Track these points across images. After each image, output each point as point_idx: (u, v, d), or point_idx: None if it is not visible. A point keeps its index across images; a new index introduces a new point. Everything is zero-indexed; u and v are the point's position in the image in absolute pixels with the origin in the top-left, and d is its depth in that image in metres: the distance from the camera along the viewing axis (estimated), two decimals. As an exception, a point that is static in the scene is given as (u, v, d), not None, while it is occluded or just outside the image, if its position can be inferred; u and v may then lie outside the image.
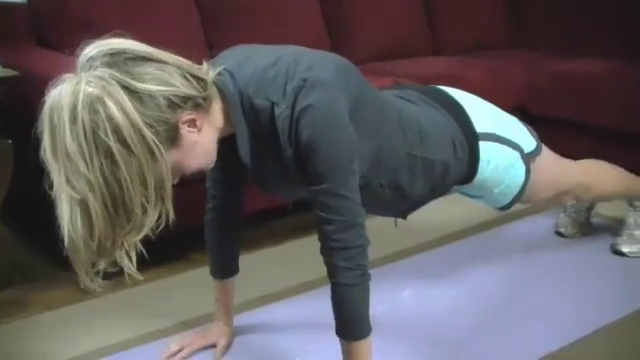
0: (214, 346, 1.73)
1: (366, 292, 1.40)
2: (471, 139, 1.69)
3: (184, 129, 1.23)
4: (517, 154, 1.75)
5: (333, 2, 3.20)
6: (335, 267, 1.37)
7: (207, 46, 2.82)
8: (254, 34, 2.84)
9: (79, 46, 1.20)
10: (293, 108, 1.31)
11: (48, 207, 1.18)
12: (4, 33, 2.45)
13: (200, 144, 1.28)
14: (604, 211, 2.43)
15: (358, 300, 1.39)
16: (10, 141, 1.98)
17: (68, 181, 1.13)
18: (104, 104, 1.12)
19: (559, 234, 2.35)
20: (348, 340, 1.42)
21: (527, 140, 1.81)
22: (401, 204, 1.68)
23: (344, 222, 1.35)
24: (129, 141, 1.13)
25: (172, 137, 1.22)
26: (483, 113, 1.76)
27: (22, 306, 1.99)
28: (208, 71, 1.32)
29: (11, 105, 2.02)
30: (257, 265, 2.13)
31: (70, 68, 1.19)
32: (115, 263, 1.23)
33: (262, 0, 2.97)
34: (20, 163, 1.97)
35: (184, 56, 1.28)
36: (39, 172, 1.17)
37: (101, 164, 1.12)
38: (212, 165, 1.37)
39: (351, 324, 1.41)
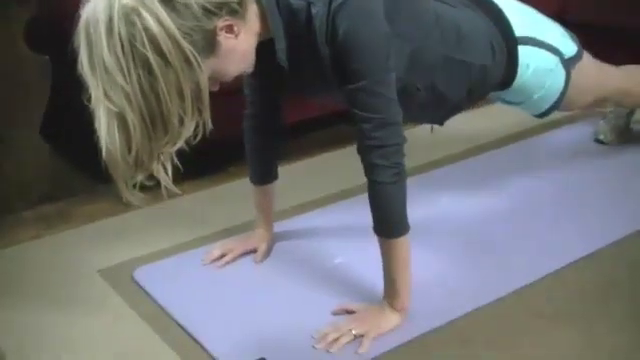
0: (255, 251, 1.76)
1: (403, 190, 1.40)
2: (510, 42, 1.66)
3: (221, 36, 1.22)
4: (557, 59, 1.72)
5: None
6: (372, 165, 1.38)
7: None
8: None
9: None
10: (329, 6, 1.30)
11: (87, 122, 1.19)
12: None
13: (238, 50, 1.27)
14: (644, 118, 2.39)
15: (395, 198, 1.40)
16: (47, 57, 1.99)
17: (106, 94, 1.13)
18: (140, 15, 1.11)
19: (598, 141, 2.32)
20: (386, 237, 1.43)
21: (568, 45, 1.77)
22: (438, 109, 1.67)
23: (381, 120, 1.35)
24: (166, 52, 1.13)
25: (210, 45, 1.21)
26: (523, 17, 1.73)
27: (66, 218, 2.04)
28: None
29: (47, 21, 2.02)
30: (294, 176, 2.14)
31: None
32: (152, 176, 1.24)
33: None
34: (58, 78, 1.99)
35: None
36: (77, 87, 1.18)
37: (139, 76, 1.12)
38: (251, 70, 1.37)
39: (388, 221, 1.42)
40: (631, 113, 2.31)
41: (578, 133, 2.41)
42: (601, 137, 2.32)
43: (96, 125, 1.17)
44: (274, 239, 1.81)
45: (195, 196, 2.10)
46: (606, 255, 1.73)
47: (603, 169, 2.16)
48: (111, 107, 1.13)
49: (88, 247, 1.86)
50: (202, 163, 2.02)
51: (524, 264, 1.70)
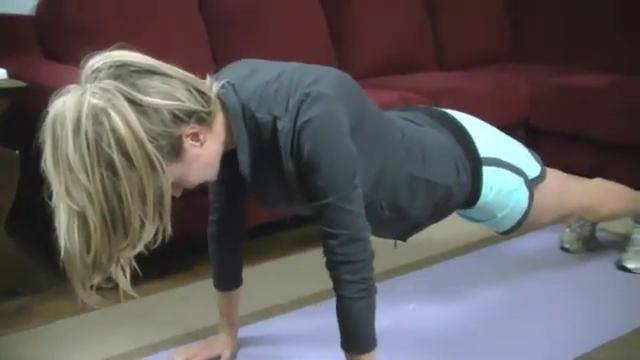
0: (218, 357, 1.72)
1: (371, 306, 1.39)
2: (474, 163, 1.68)
3: (187, 143, 1.23)
4: (521, 179, 1.74)
5: (338, 15, 3.21)
6: (340, 281, 1.37)
7: (212, 56, 2.83)
8: (258, 43, 2.85)
9: (84, 58, 1.21)
10: (295, 122, 1.31)
11: (51, 218, 1.18)
12: (11, 44, 2.47)
13: (203, 158, 1.28)
14: (609, 226, 2.42)
15: (362, 314, 1.39)
16: (17, 151, 1.99)
17: (68, 192, 1.13)
18: (108, 116, 1.12)
19: (564, 249, 2.35)
20: (352, 354, 1.41)
21: (532, 166, 1.80)
22: (401, 226, 1.67)
23: (348, 236, 1.34)
24: (132, 154, 1.13)
25: (175, 151, 1.22)
26: (488, 137, 1.75)
27: (26, 316, 1.99)
28: (211, 85, 1.32)
29: (17, 115, 2.02)
30: (261, 277, 2.13)
31: (76, 79, 1.19)
32: (110, 279, 1.23)
33: (266, 10, 2.98)
34: (26, 173, 1.97)
35: (188, 64, 1.29)
36: (43, 182, 1.17)
37: (102, 176, 1.12)
38: (214, 178, 1.37)
39: (355, 338, 1.41)
40: (595, 222, 2.35)
41: (544, 240, 2.42)
42: (567, 246, 2.34)
43: (56, 223, 1.16)
44: (238, 345, 1.77)
45: (159, 296, 2.07)
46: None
47: (569, 278, 2.17)
48: (72, 205, 1.13)
49: (46, 349, 1.81)
50: (166, 262, 2.00)
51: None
